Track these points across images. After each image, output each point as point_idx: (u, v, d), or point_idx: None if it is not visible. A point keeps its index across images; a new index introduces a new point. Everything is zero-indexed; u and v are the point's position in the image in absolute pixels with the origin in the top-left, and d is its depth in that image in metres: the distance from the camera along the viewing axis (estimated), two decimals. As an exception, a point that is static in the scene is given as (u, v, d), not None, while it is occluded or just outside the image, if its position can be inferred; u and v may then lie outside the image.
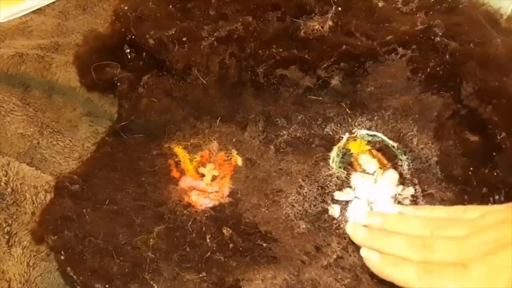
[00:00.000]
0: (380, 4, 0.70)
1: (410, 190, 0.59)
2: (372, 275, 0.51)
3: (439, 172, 0.60)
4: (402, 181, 0.60)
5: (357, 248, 0.54)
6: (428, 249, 0.48)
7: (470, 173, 0.57)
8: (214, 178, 0.62)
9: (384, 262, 0.50)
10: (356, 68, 0.65)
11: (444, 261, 0.47)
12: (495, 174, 0.55)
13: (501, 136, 0.56)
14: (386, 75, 0.64)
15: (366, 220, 0.56)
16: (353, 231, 0.55)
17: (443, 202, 0.57)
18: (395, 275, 0.49)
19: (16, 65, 0.75)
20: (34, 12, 0.90)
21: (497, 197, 0.54)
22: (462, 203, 0.56)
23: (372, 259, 0.51)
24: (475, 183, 0.56)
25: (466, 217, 0.50)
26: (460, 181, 0.58)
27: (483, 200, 0.55)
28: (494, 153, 0.56)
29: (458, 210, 0.53)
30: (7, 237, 0.58)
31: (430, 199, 0.58)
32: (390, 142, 0.63)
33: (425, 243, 0.49)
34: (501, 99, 0.58)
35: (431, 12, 0.70)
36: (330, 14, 0.68)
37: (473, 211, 0.51)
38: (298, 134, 0.66)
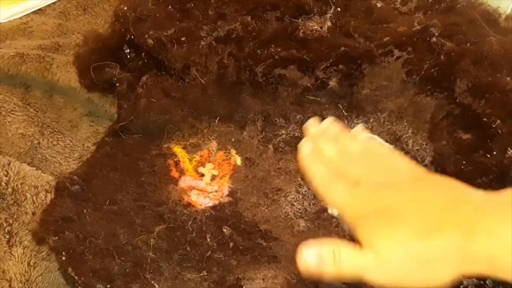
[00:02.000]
0: (378, 5, 0.71)
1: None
2: None
3: (434, 172, 0.60)
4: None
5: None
6: (346, 163, 0.52)
7: (462, 167, 0.57)
8: (213, 177, 0.63)
9: (310, 155, 0.55)
10: (353, 70, 0.65)
11: (348, 177, 0.50)
12: (489, 156, 0.56)
13: (496, 124, 0.57)
14: (382, 77, 0.65)
15: (326, 125, 0.59)
16: (310, 125, 0.59)
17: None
18: (309, 167, 0.54)
19: (16, 65, 0.75)
20: (34, 12, 0.91)
21: (491, 182, 0.55)
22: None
23: (303, 149, 0.55)
24: (467, 175, 0.57)
25: (392, 160, 0.53)
26: (453, 177, 0.58)
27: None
28: (488, 141, 0.57)
29: (394, 155, 0.55)
30: (7, 236, 0.58)
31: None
32: (386, 145, 0.63)
33: (348, 158, 0.53)
34: (494, 93, 0.59)
35: (429, 12, 0.70)
36: (329, 15, 0.68)
37: (403, 161, 0.53)
38: (296, 133, 0.66)
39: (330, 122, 0.59)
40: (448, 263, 0.41)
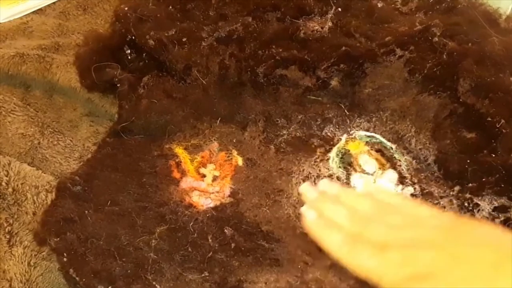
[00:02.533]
0: (379, 5, 0.71)
1: (409, 189, 0.60)
2: None
3: (437, 171, 0.61)
4: (402, 180, 0.61)
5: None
6: (362, 225, 0.50)
7: (466, 166, 0.57)
8: (215, 178, 0.62)
9: (318, 222, 0.52)
10: (354, 70, 0.65)
11: (370, 240, 0.48)
12: (493, 156, 0.56)
13: (500, 124, 0.57)
14: (384, 77, 0.65)
15: (323, 187, 0.57)
16: (306, 190, 0.57)
17: (442, 199, 0.58)
18: (323, 236, 0.51)
19: (17, 65, 0.75)
20: (34, 12, 0.90)
21: (498, 181, 0.55)
22: (459, 198, 0.57)
23: (308, 216, 0.53)
24: (472, 174, 0.57)
25: (414, 212, 0.51)
26: (457, 176, 0.59)
27: (479, 189, 0.56)
28: (492, 141, 0.57)
29: (412, 203, 0.53)
30: (8, 236, 0.58)
31: (429, 197, 0.58)
32: (388, 144, 0.63)
33: (362, 219, 0.51)
34: (498, 92, 0.59)
35: (430, 12, 0.70)
36: (330, 15, 0.68)
37: (424, 210, 0.51)
38: (298, 134, 0.66)
39: (327, 183, 0.57)
40: None
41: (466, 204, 0.57)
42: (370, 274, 0.46)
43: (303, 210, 0.54)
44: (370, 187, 0.56)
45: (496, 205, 0.55)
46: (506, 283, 0.39)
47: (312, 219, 0.53)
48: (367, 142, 0.64)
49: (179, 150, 0.65)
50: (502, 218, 0.54)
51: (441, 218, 0.49)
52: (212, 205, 0.59)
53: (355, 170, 0.62)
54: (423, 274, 0.43)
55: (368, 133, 0.65)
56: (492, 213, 0.55)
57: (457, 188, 0.58)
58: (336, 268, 0.52)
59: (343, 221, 0.51)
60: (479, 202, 0.56)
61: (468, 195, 0.57)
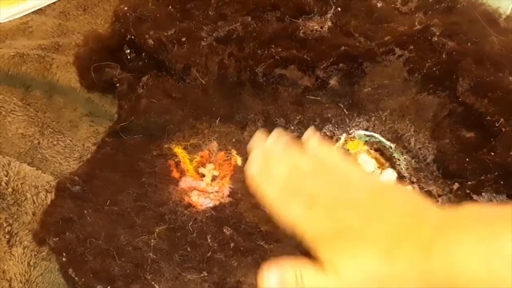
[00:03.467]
0: (379, 5, 0.71)
1: (408, 189, 0.59)
2: None
3: (436, 170, 0.61)
4: (401, 179, 0.61)
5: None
6: (298, 181, 0.50)
7: (465, 164, 0.57)
8: (214, 178, 0.63)
9: (260, 175, 0.51)
10: (354, 69, 0.65)
11: (302, 196, 0.48)
12: (492, 154, 0.56)
13: (499, 123, 0.57)
14: (383, 76, 0.65)
15: (272, 141, 0.55)
16: (257, 140, 0.55)
17: (440, 197, 0.58)
18: (261, 189, 0.50)
19: (16, 65, 0.75)
20: (34, 12, 0.90)
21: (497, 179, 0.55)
22: (458, 196, 0.58)
23: (252, 168, 0.52)
24: (470, 173, 0.57)
25: (347, 173, 0.50)
26: (456, 175, 0.59)
27: (478, 186, 0.56)
28: (492, 140, 0.58)
29: (348, 166, 0.52)
30: (8, 236, 0.58)
31: (428, 196, 0.58)
32: (388, 143, 0.63)
33: (300, 176, 0.50)
34: (497, 92, 0.59)
35: (429, 12, 0.70)
36: (329, 15, 0.68)
37: (358, 173, 0.51)
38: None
39: (277, 136, 0.55)
40: (408, 283, 0.40)
41: (464, 201, 0.57)
42: (296, 227, 0.47)
43: (248, 162, 0.53)
44: (314, 144, 0.54)
45: (495, 202, 0.55)
46: (410, 246, 0.40)
47: (254, 173, 0.52)
48: (366, 141, 0.64)
49: (178, 150, 0.65)
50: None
51: (371, 181, 0.49)
52: (211, 205, 0.59)
53: (354, 170, 0.62)
54: (342, 228, 0.44)
55: (367, 133, 0.65)
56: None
57: (456, 186, 0.58)
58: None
59: (282, 175, 0.51)
60: (478, 200, 0.56)
61: (466, 192, 0.57)
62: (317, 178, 0.50)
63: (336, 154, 0.55)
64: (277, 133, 0.55)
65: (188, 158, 0.64)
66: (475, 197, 0.56)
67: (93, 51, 0.71)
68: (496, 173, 0.56)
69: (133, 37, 0.69)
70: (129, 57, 0.70)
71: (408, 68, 0.64)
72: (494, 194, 0.56)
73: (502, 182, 0.56)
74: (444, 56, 0.63)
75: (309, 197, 0.48)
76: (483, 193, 0.56)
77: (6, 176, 0.61)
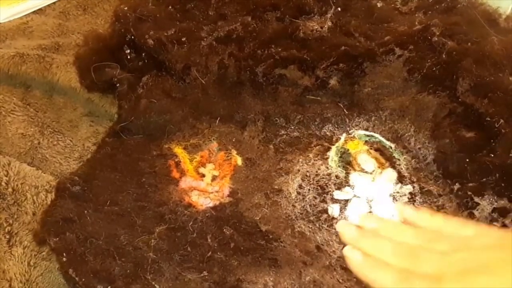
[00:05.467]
0: (379, 5, 0.71)
1: (408, 188, 0.60)
2: None
3: (436, 170, 0.61)
4: (401, 179, 0.61)
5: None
6: (412, 259, 0.49)
7: (466, 165, 0.57)
8: (214, 178, 0.63)
9: (365, 263, 0.50)
10: (354, 69, 0.65)
11: (424, 273, 0.47)
12: (492, 156, 0.56)
13: (499, 124, 0.57)
14: (383, 76, 0.65)
15: (361, 222, 0.56)
16: (343, 229, 0.55)
17: (441, 197, 0.58)
18: (373, 277, 0.49)
19: (17, 65, 0.75)
20: (34, 12, 0.90)
21: (498, 181, 0.55)
22: (459, 197, 0.57)
23: (354, 258, 0.51)
24: (471, 174, 0.57)
25: (459, 233, 0.50)
26: (457, 175, 0.59)
27: (479, 188, 0.56)
28: (492, 141, 0.57)
29: (455, 224, 0.52)
30: (8, 236, 0.58)
31: (428, 196, 0.59)
32: (388, 143, 0.63)
33: (410, 252, 0.49)
34: (497, 92, 0.59)
35: (429, 12, 0.70)
36: (329, 15, 0.68)
37: (469, 229, 0.50)
38: (296, 134, 0.66)
39: (365, 216, 0.56)
40: None
41: (465, 202, 0.57)
42: None
43: (347, 251, 0.52)
44: (407, 213, 0.55)
45: (496, 206, 0.55)
46: None
47: (358, 261, 0.51)
48: (366, 141, 0.65)
49: (178, 150, 0.65)
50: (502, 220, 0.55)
51: (489, 235, 0.48)
52: (211, 204, 0.59)
53: (354, 169, 0.62)
54: None
55: (367, 132, 0.65)
56: (491, 214, 0.55)
57: (456, 186, 0.58)
58: (335, 268, 0.52)
59: (390, 257, 0.49)
60: (479, 202, 0.56)
61: (468, 193, 0.57)
62: (431, 249, 0.48)
63: (435, 216, 0.54)
64: (365, 214, 0.56)
65: (188, 158, 0.64)
66: (476, 199, 0.56)
67: (93, 51, 0.71)
68: (496, 176, 0.55)
69: (133, 37, 0.69)
70: (129, 57, 0.70)
71: (408, 68, 0.64)
72: (495, 197, 0.56)
73: (503, 185, 0.56)
74: (444, 56, 0.63)
75: (432, 274, 0.46)
76: (485, 195, 0.56)
77: (6, 176, 0.61)
